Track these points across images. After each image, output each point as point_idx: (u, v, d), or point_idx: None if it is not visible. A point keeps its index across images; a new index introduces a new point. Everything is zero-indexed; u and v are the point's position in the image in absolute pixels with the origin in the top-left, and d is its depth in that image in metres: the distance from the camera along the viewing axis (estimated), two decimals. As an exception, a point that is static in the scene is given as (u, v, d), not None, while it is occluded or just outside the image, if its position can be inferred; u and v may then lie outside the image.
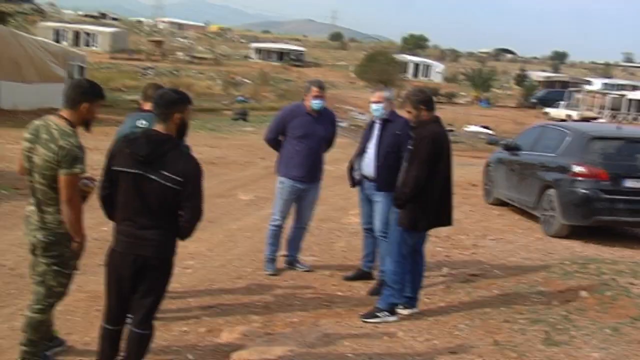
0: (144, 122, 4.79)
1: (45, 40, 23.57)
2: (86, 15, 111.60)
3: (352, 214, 9.56)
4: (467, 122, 35.50)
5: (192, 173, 3.65)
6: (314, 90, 6.54)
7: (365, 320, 5.61)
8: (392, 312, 5.67)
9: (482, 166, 12.94)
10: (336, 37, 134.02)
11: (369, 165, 6.33)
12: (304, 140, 6.54)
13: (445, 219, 5.73)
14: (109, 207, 3.76)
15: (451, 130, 31.98)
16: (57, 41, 70.81)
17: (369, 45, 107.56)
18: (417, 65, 75.88)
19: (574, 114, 45.11)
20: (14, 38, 20.10)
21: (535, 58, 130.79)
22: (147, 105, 4.95)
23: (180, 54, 72.86)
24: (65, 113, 3.93)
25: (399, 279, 5.66)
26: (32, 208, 3.96)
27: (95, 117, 4.10)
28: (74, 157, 3.78)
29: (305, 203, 6.80)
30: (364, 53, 64.89)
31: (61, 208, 3.83)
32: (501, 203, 11.46)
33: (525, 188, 10.25)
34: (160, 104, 3.67)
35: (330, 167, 15.04)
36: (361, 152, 6.48)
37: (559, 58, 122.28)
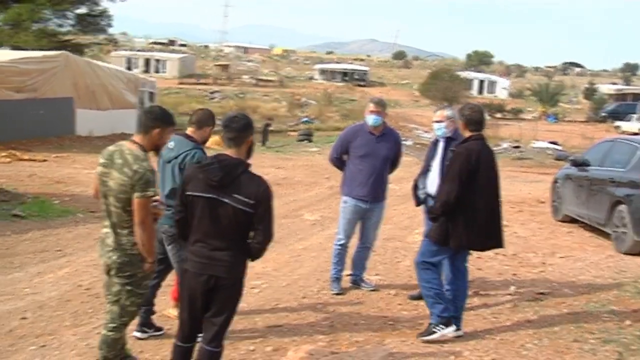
0: (172, 143, 4.96)
1: (118, 68, 24.43)
2: (156, 43, 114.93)
3: (417, 232, 9.52)
4: (534, 137, 34.90)
5: (264, 196, 3.77)
6: (371, 106, 6.63)
7: (424, 338, 5.58)
8: (447, 324, 5.62)
9: (550, 183, 12.71)
10: (399, 55, 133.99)
11: (433, 183, 6.33)
12: (367, 160, 6.60)
13: (489, 240, 5.59)
14: (183, 230, 3.92)
15: (517, 147, 31.56)
16: (129, 68, 73.32)
17: (433, 63, 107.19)
18: (481, 81, 75.10)
19: (647, 127, 43.74)
20: (89, 68, 20.98)
21: (605, 71, 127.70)
22: (190, 131, 5.16)
23: (245, 77, 74.12)
24: (137, 138, 4.12)
25: (433, 289, 5.60)
26: (107, 230, 4.15)
27: (166, 143, 4.29)
28: (147, 180, 3.95)
29: (369, 223, 6.83)
30: (427, 71, 64.67)
31: (134, 230, 4.01)
32: (570, 220, 11.23)
33: (594, 204, 10.02)
34: (234, 129, 3.80)
35: (394, 185, 15.15)
36: (425, 170, 6.50)
37: (630, 70, 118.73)
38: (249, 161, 3.87)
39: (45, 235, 8.37)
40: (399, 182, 15.76)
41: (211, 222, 3.75)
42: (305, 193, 13.90)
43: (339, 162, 6.85)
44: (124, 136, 22.67)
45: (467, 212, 5.37)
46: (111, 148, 4.17)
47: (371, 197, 6.68)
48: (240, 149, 3.81)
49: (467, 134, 5.53)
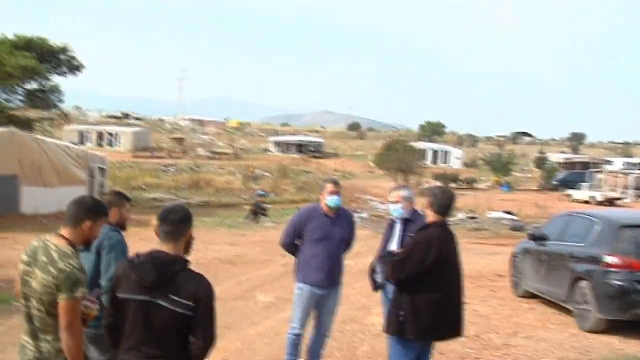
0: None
1: (67, 144, 23.94)
2: (110, 117, 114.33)
3: (375, 313, 9.16)
4: (489, 207, 35.10)
5: (205, 296, 3.35)
6: (329, 187, 6.35)
7: None
8: None
9: (509, 255, 12.54)
10: (354, 127, 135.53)
11: None
12: (322, 243, 6.28)
13: (449, 330, 5.25)
14: (114, 336, 3.49)
15: (473, 217, 31.63)
16: (82, 143, 72.75)
17: (387, 134, 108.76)
18: (435, 152, 76.35)
19: (598, 196, 44.60)
20: (36, 144, 20.47)
21: (553, 140, 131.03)
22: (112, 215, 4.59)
23: (201, 150, 73.95)
24: (65, 232, 3.71)
25: None
26: (27, 339, 3.69)
27: (97, 236, 3.90)
28: (75, 280, 3.53)
29: (325, 309, 6.46)
30: (382, 142, 65.37)
31: (60, 336, 3.56)
32: (531, 295, 11.01)
33: (555, 280, 9.82)
34: (172, 221, 3.43)
35: (350, 262, 14.75)
36: (383, 253, 6.22)
37: (577, 139, 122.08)
38: (188, 257, 3.50)
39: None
40: (355, 258, 15.42)
41: (145, 327, 3.32)
42: (259, 271, 13.46)
43: (292, 247, 6.52)
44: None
45: (426, 303, 5.03)
46: (35, 243, 3.74)
47: (328, 282, 6.35)
48: (178, 244, 3.42)
49: (430, 217, 5.22)
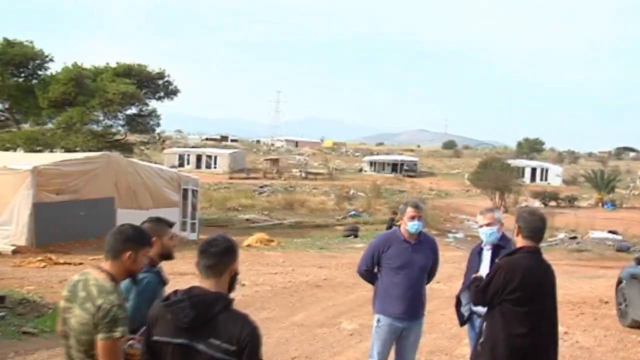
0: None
1: (160, 166, 24.40)
2: (208, 139, 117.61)
3: (466, 343, 8.55)
4: (591, 227, 33.37)
5: (250, 340, 2.97)
6: (410, 211, 5.87)
7: None
8: None
9: (614, 279, 11.60)
10: (449, 145, 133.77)
11: None
12: (402, 271, 5.83)
13: None
14: None
15: (574, 237, 30.10)
16: (182, 165, 74.95)
17: (483, 152, 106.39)
18: (534, 169, 74.04)
19: None
20: (131, 167, 20.94)
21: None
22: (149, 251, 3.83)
23: (295, 171, 74.58)
24: (107, 265, 3.46)
25: None
26: (69, 379, 3.44)
27: (141, 268, 3.62)
28: (114, 318, 3.25)
29: (406, 343, 5.97)
30: (478, 160, 63.87)
31: (100, 378, 3.28)
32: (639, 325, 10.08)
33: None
34: (212, 254, 3.09)
35: (442, 285, 14.21)
36: (469, 285, 5.69)
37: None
38: (232, 295, 3.14)
39: (52, 356, 7.66)
40: (447, 280, 14.80)
41: None
42: (346, 296, 13.03)
43: (369, 275, 6.09)
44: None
45: (506, 336, 4.40)
46: (76, 277, 3.50)
47: (409, 314, 5.87)
48: (220, 280, 3.07)
49: (519, 242, 4.58)
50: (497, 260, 4.91)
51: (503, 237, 5.76)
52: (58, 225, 17.72)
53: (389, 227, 25.01)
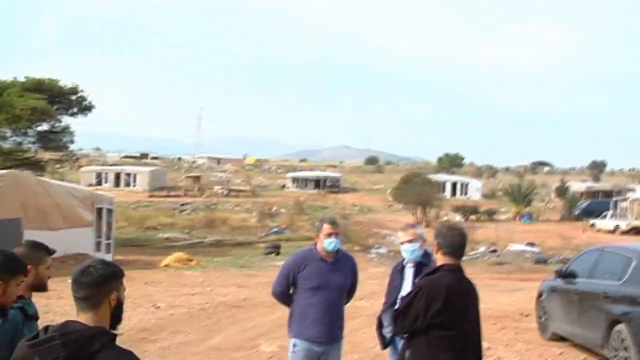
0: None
1: (73, 185, 23.35)
2: (128, 157, 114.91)
3: (389, 364, 8.25)
4: (510, 239, 34.02)
5: None
6: (326, 227, 5.51)
7: None
8: None
9: (534, 292, 11.59)
10: (372, 161, 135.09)
11: None
12: (320, 292, 5.44)
13: None
14: None
15: (494, 251, 30.56)
16: (100, 183, 72.89)
17: (405, 167, 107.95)
18: (454, 183, 75.43)
19: (623, 224, 43.39)
20: (40, 186, 19.92)
21: (572, 169, 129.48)
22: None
23: (217, 188, 73.57)
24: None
25: None
26: None
27: (13, 300, 3.12)
28: None
29: (325, 369, 5.59)
30: (400, 175, 64.58)
31: None
32: (560, 338, 10.04)
33: (588, 323, 8.87)
34: (85, 284, 2.61)
35: (364, 302, 13.92)
36: (390, 304, 5.37)
37: (597, 167, 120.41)
38: (119, 329, 2.69)
39: None
40: (370, 298, 14.54)
41: None
42: (266, 316, 12.57)
43: (284, 296, 5.68)
44: (78, 257, 21.39)
45: None
46: None
47: (327, 337, 5.48)
48: (98, 313, 2.59)
49: (439, 260, 4.31)
50: (417, 280, 4.64)
51: (426, 254, 5.47)
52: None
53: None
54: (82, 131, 34.76)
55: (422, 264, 5.36)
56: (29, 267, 3.30)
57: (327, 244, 5.48)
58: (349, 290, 5.73)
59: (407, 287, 5.30)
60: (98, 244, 22.39)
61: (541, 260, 26.10)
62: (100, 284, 2.61)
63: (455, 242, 4.29)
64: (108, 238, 23.15)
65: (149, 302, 13.05)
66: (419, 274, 5.24)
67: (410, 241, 5.45)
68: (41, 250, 3.61)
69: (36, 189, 19.50)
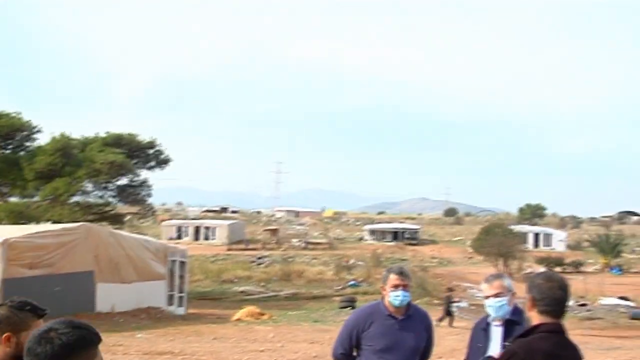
0: None
1: (145, 237, 23.31)
2: (208, 211, 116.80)
3: None
4: (600, 293, 31.97)
5: None
6: (393, 278, 4.78)
7: None
8: None
9: (634, 351, 10.37)
10: (450, 212, 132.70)
11: None
12: (388, 355, 4.69)
13: None
14: None
15: (583, 305, 28.68)
16: (180, 237, 74.04)
17: (485, 218, 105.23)
18: (537, 234, 72.81)
19: None
20: (112, 238, 19.86)
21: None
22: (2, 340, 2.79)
23: (295, 241, 73.45)
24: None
25: None
26: None
27: None
28: None
29: None
30: (479, 227, 62.74)
31: None
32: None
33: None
34: (44, 356, 2.00)
35: (444, 362, 12.94)
36: None
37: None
38: None
39: None
40: (450, 356, 13.54)
41: None
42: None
43: (347, 358, 4.95)
44: (151, 310, 21.15)
45: None
46: None
47: (396, 410, 4.70)
48: None
49: (535, 319, 3.41)
50: (507, 343, 3.80)
51: (516, 311, 4.58)
52: (31, 302, 16.48)
53: (447, 310, 21.95)
54: (164, 187, 35.31)
55: (513, 322, 4.50)
56: (6, 335, 2.68)
57: (393, 297, 4.74)
58: (423, 353, 4.93)
59: (493, 350, 4.46)
60: (170, 297, 22.13)
61: (638, 316, 24.22)
62: (63, 356, 1.98)
63: (555, 297, 3.39)
64: (181, 291, 22.88)
65: (215, 359, 12.45)
66: (509, 335, 4.38)
67: (496, 295, 4.56)
68: (28, 313, 2.92)
69: (108, 241, 19.47)
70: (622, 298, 29.90)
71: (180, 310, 22.41)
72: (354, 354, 4.88)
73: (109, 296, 18.90)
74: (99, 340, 2.11)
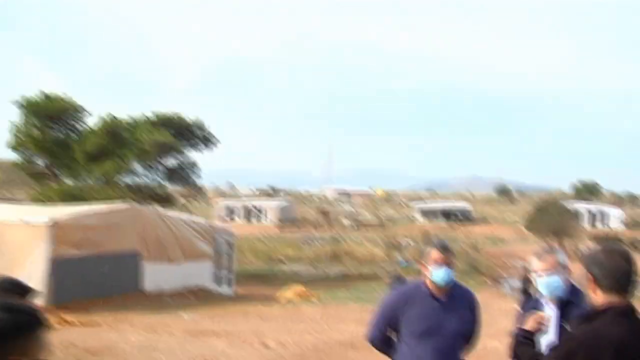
0: None
1: (192, 217, 23.24)
2: (260, 191, 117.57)
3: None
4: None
5: None
6: (434, 254, 4.36)
7: None
8: None
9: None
10: (503, 190, 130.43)
11: None
12: (429, 339, 4.29)
13: None
14: None
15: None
16: (232, 218, 74.67)
17: (538, 196, 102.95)
18: (592, 212, 70.92)
19: None
20: (159, 218, 19.82)
21: None
22: None
23: (345, 221, 73.29)
24: None
25: None
26: None
27: None
28: None
29: None
30: (533, 205, 61.40)
31: None
32: None
33: None
34: None
35: (497, 343, 12.42)
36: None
37: None
38: None
39: None
40: (505, 338, 13.03)
41: None
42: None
43: (384, 344, 4.58)
44: (198, 291, 21.11)
45: None
46: None
47: (438, 398, 4.30)
48: None
49: (599, 298, 2.88)
50: (568, 328, 3.33)
51: (573, 290, 4.02)
52: (78, 282, 16.55)
53: (525, 292, 21.06)
54: (216, 168, 35.36)
55: (569, 303, 3.96)
56: None
57: (435, 275, 4.33)
58: (469, 337, 4.52)
59: (548, 334, 3.99)
60: (218, 277, 22.07)
61: None
62: None
63: (620, 270, 2.86)
64: (229, 271, 22.81)
65: (259, 340, 12.24)
66: (565, 317, 3.90)
67: (548, 271, 4.02)
68: (11, 292, 2.57)
69: (154, 221, 19.43)
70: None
71: (228, 290, 22.35)
72: (392, 337, 4.51)
73: (156, 276, 18.89)
74: (40, 325, 1.78)
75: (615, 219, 69.17)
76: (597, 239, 47.38)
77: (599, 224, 67.73)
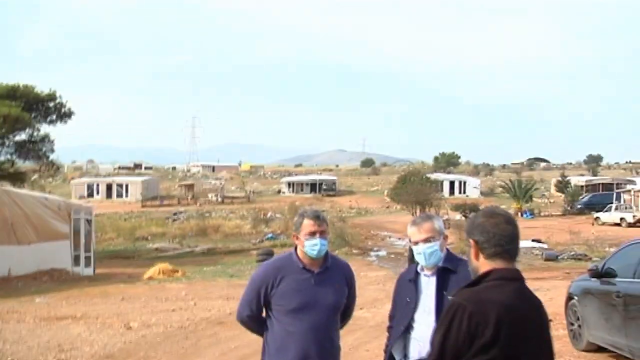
0: None
1: (45, 195, 21.70)
2: (121, 168, 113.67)
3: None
4: (515, 237, 32.48)
5: None
6: (308, 224, 3.93)
7: None
8: None
9: (550, 292, 10.09)
10: (367, 163, 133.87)
11: (423, 348, 3.56)
12: (303, 315, 3.87)
13: None
14: None
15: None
16: (91, 195, 71.87)
17: (401, 168, 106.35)
18: (452, 182, 74.34)
19: (628, 217, 42.02)
20: (6, 196, 18.27)
21: (569, 164, 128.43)
22: None
23: (211, 196, 72.42)
24: None
25: None
26: None
27: None
28: None
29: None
30: (396, 176, 63.30)
31: None
32: (598, 348, 8.51)
33: (636, 330, 7.33)
34: None
35: (366, 312, 12.38)
36: (404, 329, 3.77)
37: (594, 161, 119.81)
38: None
39: None
40: (372, 307, 13.04)
41: None
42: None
43: (254, 322, 4.12)
44: (54, 272, 19.77)
45: None
46: None
47: (313, 375, 3.92)
48: None
49: (484, 265, 2.63)
50: (450, 297, 3.05)
51: (450, 257, 3.79)
52: None
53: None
54: (76, 145, 33.34)
55: (447, 270, 3.72)
56: None
57: (309, 247, 3.91)
58: (345, 310, 4.15)
59: (426, 304, 3.69)
60: (76, 258, 20.77)
61: (552, 257, 24.55)
62: None
63: (505, 233, 2.62)
64: (87, 251, 21.52)
65: (121, 321, 11.47)
66: (443, 285, 3.66)
67: (426, 240, 3.73)
68: None
69: (3, 200, 17.89)
70: (535, 240, 30.41)
71: (88, 271, 21.10)
72: (263, 315, 4.06)
73: (4, 259, 17.43)
74: None
75: (473, 188, 72.77)
76: (457, 207, 49.48)
77: (458, 193, 70.90)
